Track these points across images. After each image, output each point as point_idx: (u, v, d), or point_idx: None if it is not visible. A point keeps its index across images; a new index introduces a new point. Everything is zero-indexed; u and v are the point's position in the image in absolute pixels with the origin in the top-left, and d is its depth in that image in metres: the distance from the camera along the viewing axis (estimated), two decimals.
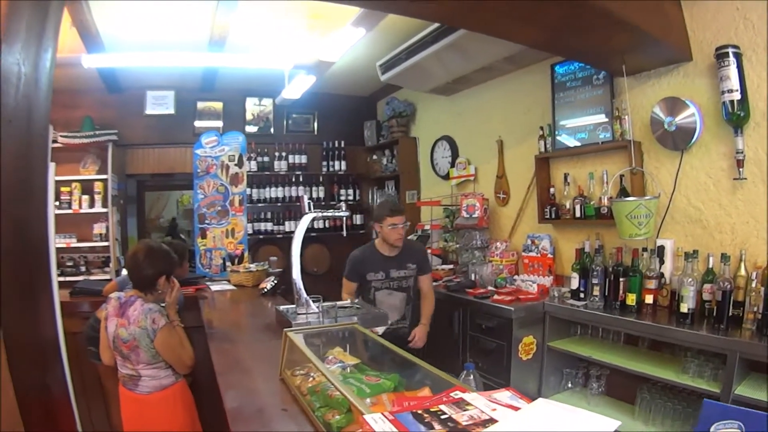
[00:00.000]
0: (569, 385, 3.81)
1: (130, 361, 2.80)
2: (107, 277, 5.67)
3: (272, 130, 7.29)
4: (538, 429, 1.21)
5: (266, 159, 6.99)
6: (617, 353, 3.45)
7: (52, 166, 2.47)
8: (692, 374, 2.91)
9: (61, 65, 1.89)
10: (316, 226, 6.89)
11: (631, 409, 3.30)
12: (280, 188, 7.02)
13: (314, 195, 7.17)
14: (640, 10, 2.92)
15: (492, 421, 1.24)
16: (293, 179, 7.11)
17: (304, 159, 7.17)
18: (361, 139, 7.53)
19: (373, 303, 3.82)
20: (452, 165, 5.87)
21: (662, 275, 3.33)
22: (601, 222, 3.80)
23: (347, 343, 2.33)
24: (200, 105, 6.95)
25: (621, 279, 3.44)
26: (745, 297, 2.80)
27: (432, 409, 1.31)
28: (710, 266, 3.03)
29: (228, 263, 5.26)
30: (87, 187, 5.99)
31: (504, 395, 1.40)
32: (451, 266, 5.20)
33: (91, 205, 5.95)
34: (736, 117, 2.95)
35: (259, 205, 6.96)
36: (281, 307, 3.23)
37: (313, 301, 3.04)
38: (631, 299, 3.35)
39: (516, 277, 4.48)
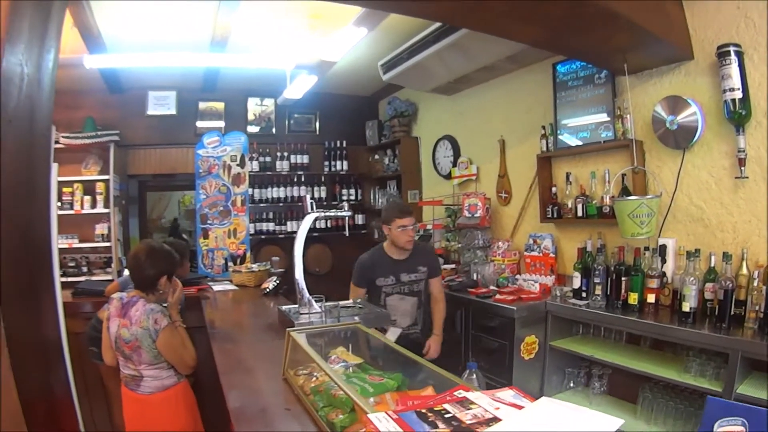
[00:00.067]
0: (571, 384, 3.81)
1: (132, 362, 2.80)
2: (109, 277, 5.67)
3: (274, 130, 7.29)
4: (542, 427, 1.21)
5: (268, 159, 7.00)
6: (619, 352, 3.45)
7: (54, 166, 2.48)
8: (694, 373, 2.91)
9: (62, 66, 1.89)
10: (318, 226, 6.90)
11: (633, 408, 3.31)
12: (281, 188, 7.03)
13: (316, 195, 7.18)
14: (641, 8, 2.92)
15: (496, 419, 1.24)
16: (295, 179, 7.11)
17: (305, 159, 7.17)
18: (363, 138, 7.54)
19: (384, 309, 3.62)
20: (454, 164, 5.87)
21: (664, 274, 3.33)
22: (603, 221, 3.79)
23: (350, 343, 2.33)
24: (202, 105, 6.95)
25: (623, 278, 3.44)
26: (747, 296, 2.80)
27: (436, 408, 1.31)
28: (712, 265, 3.03)
29: (230, 263, 5.26)
30: (89, 188, 6.00)
31: (507, 394, 1.40)
32: (453, 266, 5.20)
33: (93, 205, 5.95)
34: (738, 115, 2.95)
35: (261, 205, 6.97)
36: (284, 307, 3.22)
37: (316, 301, 3.04)
38: (633, 298, 3.34)
39: (518, 276, 4.48)
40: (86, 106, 6.15)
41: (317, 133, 7.55)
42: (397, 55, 4.99)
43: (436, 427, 1.21)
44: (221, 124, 6.92)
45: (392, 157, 7.02)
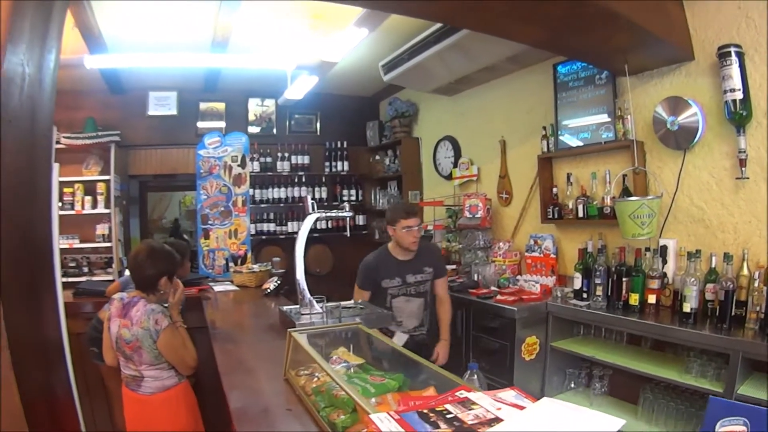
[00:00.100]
0: (572, 385, 3.81)
1: (132, 362, 2.80)
2: (110, 278, 5.67)
3: (275, 130, 7.29)
4: (544, 428, 1.21)
5: (269, 159, 6.99)
6: (620, 353, 3.45)
7: (55, 166, 2.49)
8: (695, 374, 2.90)
9: (63, 66, 1.89)
10: (318, 227, 6.90)
11: (634, 409, 3.30)
12: (282, 189, 7.02)
13: (317, 195, 7.18)
14: (641, 9, 2.92)
15: (497, 420, 1.24)
16: (296, 180, 7.11)
17: (306, 159, 7.16)
18: (364, 139, 7.54)
19: (390, 311, 3.56)
20: (455, 165, 5.87)
21: (665, 275, 3.32)
22: (604, 222, 3.80)
23: (351, 343, 2.33)
24: (203, 106, 6.95)
25: (624, 279, 3.44)
26: (748, 297, 2.79)
27: (438, 409, 1.31)
28: (713, 266, 3.03)
29: (231, 264, 5.26)
30: (89, 188, 6.00)
31: (509, 394, 1.40)
32: (454, 266, 5.19)
33: (94, 206, 5.95)
34: (739, 116, 2.95)
35: (262, 205, 6.96)
36: (285, 308, 3.22)
37: (317, 302, 3.04)
38: (634, 299, 3.34)
39: (519, 277, 4.48)
40: (87, 106, 6.15)
41: (318, 133, 7.54)
42: (398, 55, 4.99)
43: (438, 427, 1.21)
44: (222, 124, 6.92)
45: (393, 158, 7.02)
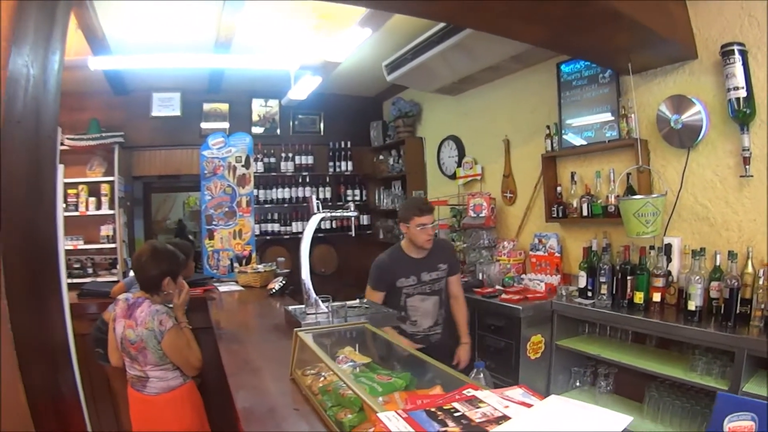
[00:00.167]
0: (577, 383, 3.81)
1: (137, 363, 2.80)
2: (114, 278, 5.69)
3: (278, 131, 7.30)
4: (552, 425, 1.21)
5: (273, 160, 6.99)
6: (625, 351, 3.44)
7: (60, 168, 2.49)
8: (700, 372, 2.90)
9: (67, 68, 1.90)
10: (323, 227, 6.87)
11: (640, 407, 3.30)
12: (286, 189, 7.02)
13: (321, 195, 7.16)
14: (644, 8, 2.91)
15: (505, 418, 1.24)
16: (300, 180, 7.11)
17: (310, 160, 7.16)
18: (368, 139, 7.54)
19: (404, 310, 3.52)
20: (459, 165, 5.87)
21: (669, 273, 3.32)
22: (609, 220, 3.80)
23: (357, 343, 2.32)
24: (206, 106, 6.96)
25: (628, 277, 3.43)
26: (753, 294, 2.79)
27: (445, 407, 1.31)
28: (717, 264, 3.02)
29: (236, 264, 5.27)
30: (94, 190, 6.02)
31: (516, 392, 1.40)
32: None
33: (98, 207, 5.97)
34: (742, 114, 2.94)
35: (266, 206, 6.97)
36: (290, 308, 3.22)
37: (323, 301, 3.04)
38: (639, 297, 3.34)
39: (523, 276, 4.48)
40: (91, 107, 6.16)
41: (322, 133, 7.55)
42: (401, 55, 4.99)
43: (446, 425, 1.21)
44: (226, 125, 6.93)
45: (397, 158, 7.02)
